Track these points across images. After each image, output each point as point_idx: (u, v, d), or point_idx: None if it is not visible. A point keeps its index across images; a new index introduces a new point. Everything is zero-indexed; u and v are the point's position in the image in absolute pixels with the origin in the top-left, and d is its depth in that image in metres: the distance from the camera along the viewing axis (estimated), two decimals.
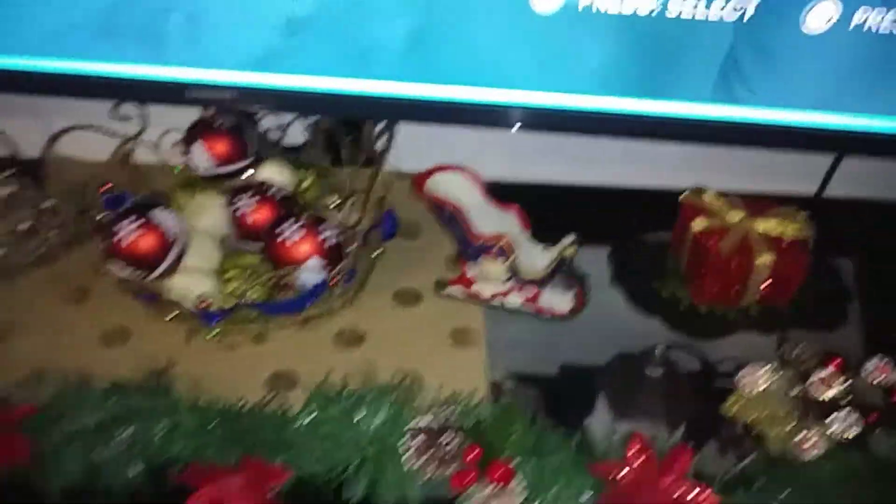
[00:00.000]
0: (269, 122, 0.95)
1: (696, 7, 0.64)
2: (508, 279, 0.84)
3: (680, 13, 0.64)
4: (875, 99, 0.70)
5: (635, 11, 0.64)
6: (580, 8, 0.64)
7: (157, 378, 0.72)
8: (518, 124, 0.74)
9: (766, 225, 0.85)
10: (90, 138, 0.90)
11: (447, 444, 0.64)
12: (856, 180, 1.04)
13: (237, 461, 0.66)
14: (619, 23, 0.65)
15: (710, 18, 0.65)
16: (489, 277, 0.84)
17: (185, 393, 0.72)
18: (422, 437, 0.64)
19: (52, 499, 0.67)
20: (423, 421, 0.65)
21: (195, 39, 0.69)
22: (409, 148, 0.92)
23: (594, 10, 0.64)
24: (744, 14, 0.64)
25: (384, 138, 0.86)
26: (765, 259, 0.83)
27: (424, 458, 0.64)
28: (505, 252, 0.80)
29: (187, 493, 0.66)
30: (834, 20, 0.65)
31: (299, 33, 0.67)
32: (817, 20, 0.65)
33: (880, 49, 0.66)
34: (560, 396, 0.79)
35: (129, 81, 0.74)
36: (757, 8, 0.64)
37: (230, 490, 0.66)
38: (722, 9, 0.64)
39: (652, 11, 0.64)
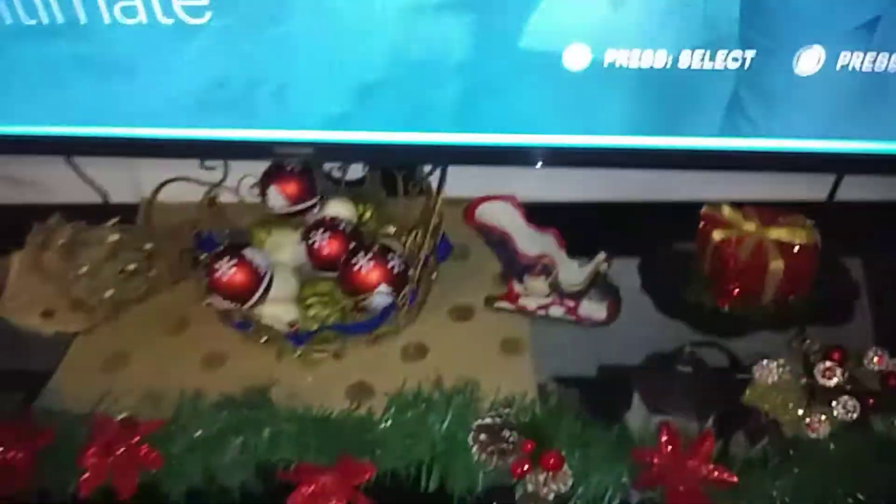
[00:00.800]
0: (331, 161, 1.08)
1: (702, 60, 0.75)
2: (550, 294, 0.96)
3: (689, 65, 0.75)
4: (864, 125, 0.80)
5: (651, 66, 0.76)
6: (605, 65, 0.76)
7: (259, 393, 0.85)
8: (548, 162, 0.86)
9: (778, 233, 0.96)
10: (178, 185, 1.04)
11: (507, 439, 0.76)
12: (863, 185, 1.13)
13: (331, 461, 0.79)
14: (637, 75, 0.77)
15: (715, 67, 0.76)
16: (534, 293, 0.95)
17: (282, 405, 0.85)
18: (485, 433, 0.76)
19: (178, 500, 0.81)
20: (485, 420, 0.77)
21: (282, 105, 0.82)
22: (456, 177, 1.04)
23: (617, 66, 0.76)
24: (744, 63, 0.75)
25: (437, 173, 0.98)
26: (777, 263, 0.94)
27: (488, 451, 0.76)
28: (548, 269, 0.91)
29: (290, 489, 0.79)
30: (822, 63, 0.76)
31: (368, 98, 0.80)
32: (808, 64, 0.76)
33: (865, 83, 0.77)
34: (600, 394, 0.90)
35: (223, 143, 0.87)
36: (754, 57, 0.75)
37: (326, 485, 0.78)
38: (724, 59, 0.75)
39: (665, 65, 0.76)
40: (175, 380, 0.89)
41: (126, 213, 1.07)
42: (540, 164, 0.87)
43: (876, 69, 0.76)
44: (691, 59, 0.74)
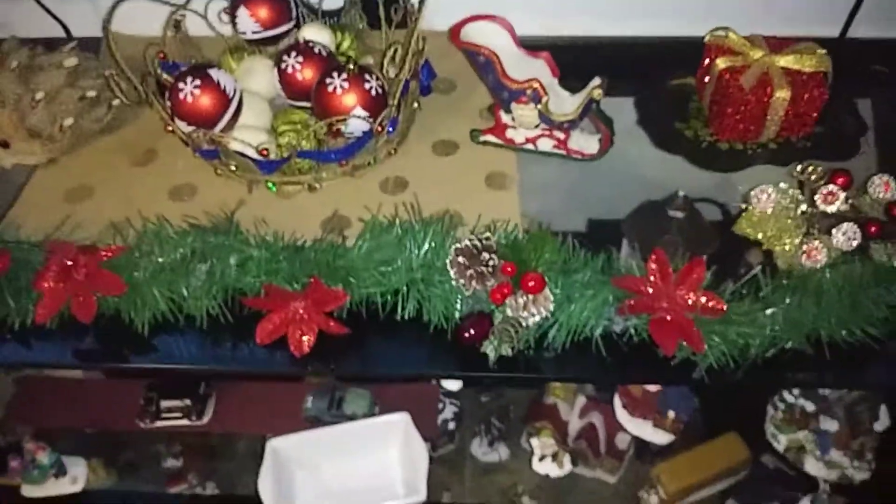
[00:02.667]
0: None
1: None
2: (538, 124, 0.90)
3: None
4: None
5: None
6: None
7: (227, 221, 0.80)
8: None
9: (786, 59, 0.89)
10: (139, 16, 0.96)
11: (487, 262, 0.72)
12: (877, 22, 1.06)
13: (302, 287, 0.75)
14: None
15: None
16: (522, 122, 0.89)
17: (251, 233, 0.80)
18: (463, 256, 0.72)
19: (142, 329, 0.77)
20: (464, 242, 0.73)
21: None
22: (440, 6, 0.96)
23: None
24: None
25: None
26: (782, 93, 0.87)
27: (466, 275, 0.72)
28: (537, 95, 0.85)
29: (258, 318, 0.76)
30: None
31: None
32: None
33: None
34: (589, 232, 0.86)
35: None
36: None
37: (297, 311, 0.75)
38: None
39: None
40: (141, 211, 0.85)
41: (90, 48, 1.01)
42: None
43: None
44: None
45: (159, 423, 1.11)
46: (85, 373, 1.22)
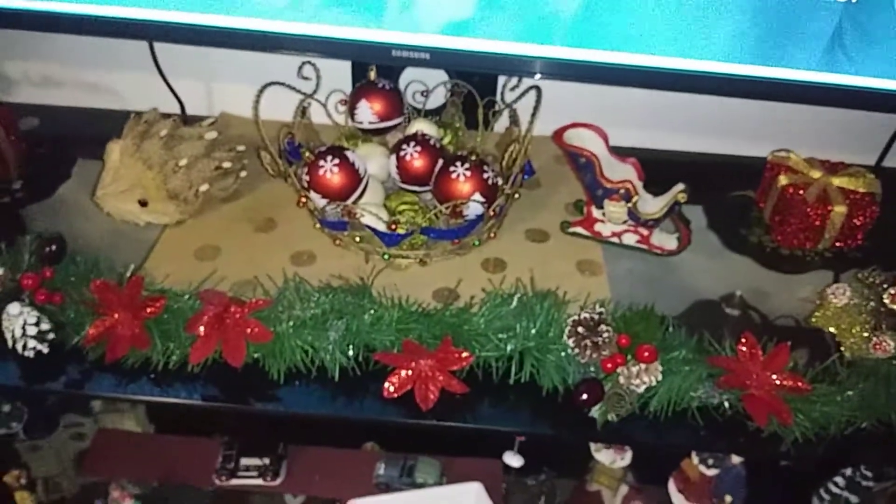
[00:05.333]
0: (414, 87, 1.13)
1: None
2: (626, 220, 1.01)
3: None
4: None
5: None
6: None
7: (358, 284, 0.89)
8: (650, 84, 0.91)
9: (841, 180, 1.02)
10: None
11: (602, 333, 0.81)
12: None
13: (431, 347, 0.84)
14: (749, 2, 0.82)
15: None
16: (611, 217, 1.01)
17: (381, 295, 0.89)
18: (582, 326, 0.81)
19: (278, 377, 0.84)
20: (582, 314, 0.82)
21: (405, 7, 0.86)
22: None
23: None
24: None
25: (523, 102, 1.02)
26: (840, 208, 1.00)
27: (583, 344, 0.81)
28: (629, 194, 0.97)
29: (384, 372, 0.84)
30: None
31: (488, 6, 0.85)
32: None
33: None
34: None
35: (344, 42, 0.91)
36: None
37: (423, 369, 0.83)
38: None
39: None
40: (267, 272, 0.93)
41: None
42: (648, 87, 0.92)
43: None
44: None
45: (235, 481, 1.16)
46: (159, 428, 1.27)
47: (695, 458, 1.13)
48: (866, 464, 1.03)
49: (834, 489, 1.11)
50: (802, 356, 0.89)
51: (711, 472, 1.12)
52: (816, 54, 0.84)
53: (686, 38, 0.86)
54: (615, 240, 1.03)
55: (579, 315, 0.82)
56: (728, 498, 1.11)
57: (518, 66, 0.94)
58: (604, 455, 1.20)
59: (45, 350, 0.85)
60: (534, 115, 0.96)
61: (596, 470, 1.27)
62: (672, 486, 1.17)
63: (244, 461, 1.15)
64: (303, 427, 1.21)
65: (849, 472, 1.09)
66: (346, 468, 1.19)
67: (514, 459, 1.20)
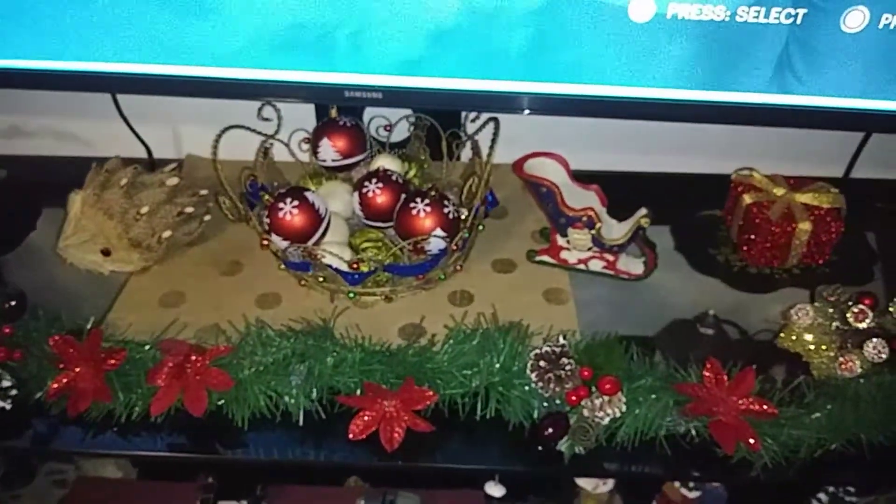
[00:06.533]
0: (378, 122, 1.13)
1: (757, 14, 0.81)
2: (591, 247, 1.01)
3: (745, 19, 0.81)
4: None
5: (711, 19, 0.81)
6: (668, 17, 0.81)
7: (320, 326, 0.89)
8: (606, 114, 0.91)
9: (805, 197, 1.02)
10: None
11: (564, 367, 0.81)
12: (877, 163, 1.21)
13: (395, 387, 0.83)
14: (697, 28, 0.83)
15: (769, 22, 0.81)
16: (576, 245, 1.00)
17: (345, 337, 0.88)
18: (544, 360, 0.81)
19: (242, 423, 0.84)
20: (543, 348, 0.82)
21: (356, 50, 0.86)
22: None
23: (679, 17, 0.81)
24: (796, 18, 0.81)
25: (487, 132, 1.02)
26: (805, 225, 1.00)
27: (545, 378, 0.81)
28: (592, 222, 0.97)
29: (349, 414, 0.83)
30: (866, 22, 0.81)
31: (438, 44, 0.85)
32: (854, 21, 0.81)
33: None
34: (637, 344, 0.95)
35: (296, 85, 0.91)
36: (805, 14, 0.81)
37: (388, 410, 0.83)
38: (778, 14, 0.81)
39: (724, 18, 0.81)
40: (231, 317, 0.93)
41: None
42: (602, 116, 0.92)
43: None
44: (747, 14, 0.80)
45: None
46: (135, 474, 1.26)
47: (676, 482, 1.12)
48: (837, 486, 1.02)
49: None
50: (773, 378, 0.88)
51: (693, 495, 1.11)
52: (765, 77, 0.84)
53: (636, 67, 0.86)
54: (582, 266, 1.03)
55: (541, 348, 0.82)
56: None
57: (470, 102, 0.94)
58: (586, 481, 1.19)
59: (8, 406, 0.84)
60: (492, 146, 0.96)
61: (581, 495, 1.26)
62: None
63: None
64: (280, 467, 1.20)
65: (831, 488, 1.08)
66: None
67: (495, 489, 1.19)
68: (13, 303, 0.89)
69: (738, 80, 0.85)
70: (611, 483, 1.19)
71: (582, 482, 1.20)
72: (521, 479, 1.21)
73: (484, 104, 0.94)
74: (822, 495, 1.11)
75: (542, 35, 0.84)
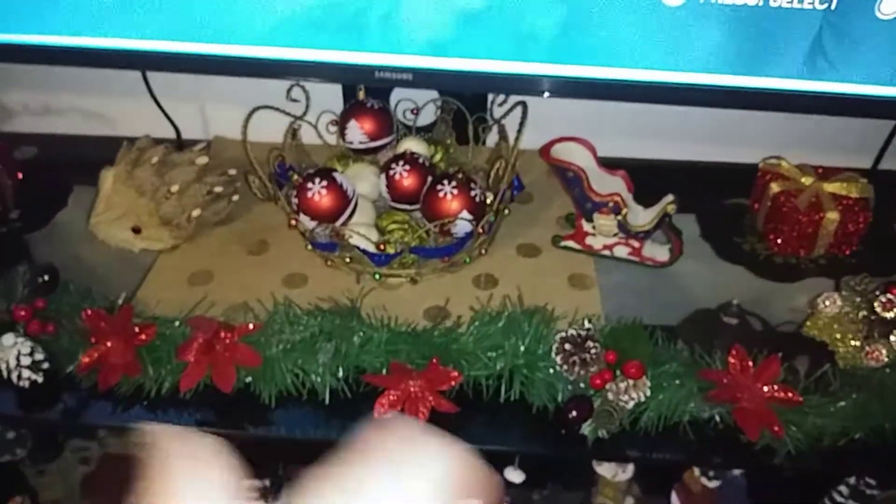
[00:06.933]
0: (405, 105, 1.13)
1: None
2: (617, 233, 1.01)
3: (779, 3, 0.81)
4: None
5: (744, 2, 0.81)
6: (701, 0, 0.81)
7: (348, 305, 0.90)
8: (635, 98, 0.91)
9: (834, 186, 1.02)
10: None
11: (590, 350, 0.81)
12: None
13: (420, 367, 0.84)
14: (730, 13, 0.82)
15: (803, 6, 0.81)
16: (602, 231, 1.01)
17: (371, 317, 0.89)
18: (569, 343, 0.81)
19: (269, 401, 0.85)
20: (569, 331, 0.82)
21: (386, 29, 0.87)
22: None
23: (712, 2, 0.81)
24: (830, 3, 0.80)
25: (514, 117, 1.02)
26: (833, 215, 0.99)
27: (570, 361, 0.81)
28: (618, 207, 0.97)
29: (374, 394, 0.84)
30: None
31: (468, 25, 0.85)
32: (889, 8, 0.80)
33: None
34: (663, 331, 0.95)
35: (327, 65, 0.91)
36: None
37: (413, 389, 0.83)
38: (812, 0, 0.81)
39: (757, 2, 0.81)
40: (258, 296, 0.94)
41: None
42: (630, 101, 0.92)
43: None
44: None
45: None
46: None
47: (696, 470, 1.12)
48: (862, 475, 1.02)
49: (838, 498, 1.10)
50: (799, 366, 0.88)
51: (713, 484, 1.11)
52: (798, 63, 0.83)
53: (667, 51, 0.85)
54: (607, 252, 1.03)
55: (566, 332, 0.82)
56: None
57: (501, 84, 0.94)
58: (605, 468, 1.19)
59: (40, 380, 0.86)
60: (519, 130, 0.96)
61: (600, 483, 1.27)
62: (675, 499, 1.16)
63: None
64: (303, 447, 1.21)
65: (852, 480, 1.08)
66: None
67: (515, 475, 1.20)
68: (45, 277, 0.91)
69: (769, 66, 0.84)
70: (630, 471, 1.19)
71: (601, 470, 1.21)
72: (540, 465, 1.21)
73: (512, 87, 0.94)
74: (842, 487, 1.10)
75: (572, 17, 0.84)
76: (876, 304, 0.85)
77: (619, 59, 0.87)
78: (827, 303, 0.86)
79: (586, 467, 1.22)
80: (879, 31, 0.81)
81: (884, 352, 0.83)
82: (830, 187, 1.02)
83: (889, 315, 0.84)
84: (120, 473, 1.24)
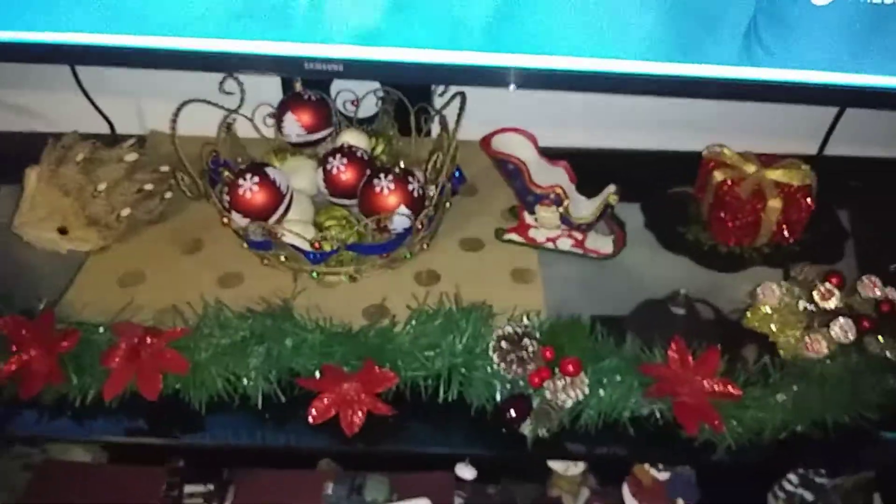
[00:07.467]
0: (345, 95, 1.10)
1: None
2: (559, 225, 0.99)
3: None
4: (870, 59, 0.84)
5: None
6: None
7: (281, 306, 0.87)
8: (568, 87, 0.89)
9: (776, 174, 1.01)
10: (186, 118, 1.03)
11: (527, 348, 0.79)
12: (852, 140, 1.19)
13: (354, 370, 0.81)
14: None
15: None
16: (544, 224, 0.99)
17: (304, 317, 0.86)
18: (506, 341, 0.79)
19: (199, 407, 0.82)
20: (506, 329, 0.80)
21: (315, 19, 0.84)
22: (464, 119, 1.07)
23: None
24: None
25: (455, 104, 0.99)
26: (775, 203, 0.98)
27: (507, 359, 0.79)
28: (559, 199, 0.95)
29: (311, 398, 0.81)
30: None
31: (399, 13, 0.83)
32: None
33: (872, 16, 0.81)
34: (606, 324, 0.93)
35: (254, 57, 0.88)
36: None
37: (348, 392, 0.81)
38: None
39: None
40: (192, 297, 0.90)
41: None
42: (564, 90, 0.90)
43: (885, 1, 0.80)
44: None
45: None
46: (104, 457, 1.24)
47: (645, 463, 1.11)
48: (803, 468, 1.02)
49: (788, 487, 1.10)
50: (742, 358, 0.87)
51: (663, 476, 1.11)
52: (733, 49, 0.82)
53: (601, 38, 0.84)
54: (550, 245, 1.01)
55: (504, 329, 0.80)
56: (680, 501, 1.09)
57: (434, 75, 0.91)
58: (557, 464, 1.18)
59: None
60: (457, 121, 0.93)
61: (554, 476, 1.26)
62: (626, 491, 1.16)
63: (188, 488, 1.13)
64: (245, 451, 1.18)
65: (801, 469, 1.08)
66: (295, 489, 1.17)
67: (466, 471, 1.19)
68: None
69: (705, 53, 0.83)
70: (582, 465, 1.18)
71: (553, 464, 1.20)
72: (491, 461, 1.20)
73: (448, 77, 0.92)
74: (792, 476, 1.10)
75: (505, 4, 0.81)
76: (815, 294, 0.84)
77: (552, 47, 0.85)
78: (765, 293, 0.85)
79: (538, 462, 1.21)
80: (815, 17, 0.80)
81: (824, 343, 0.82)
82: (773, 175, 1.01)
83: (829, 305, 0.84)
84: (63, 480, 1.21)
